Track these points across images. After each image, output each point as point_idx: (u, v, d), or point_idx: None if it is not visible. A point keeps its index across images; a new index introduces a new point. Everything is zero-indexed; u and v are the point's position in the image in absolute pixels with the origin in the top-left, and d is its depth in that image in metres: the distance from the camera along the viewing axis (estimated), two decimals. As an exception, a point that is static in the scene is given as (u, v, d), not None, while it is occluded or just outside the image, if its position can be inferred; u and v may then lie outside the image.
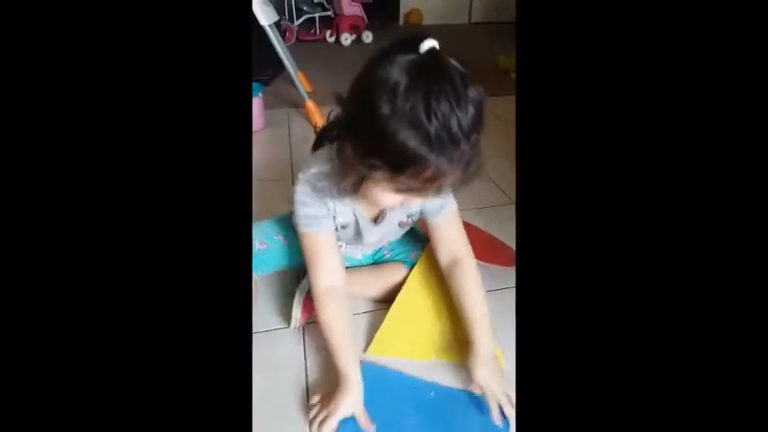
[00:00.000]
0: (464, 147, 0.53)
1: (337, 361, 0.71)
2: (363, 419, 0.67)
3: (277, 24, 1.61)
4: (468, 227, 0.86)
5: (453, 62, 0.54)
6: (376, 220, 0.80)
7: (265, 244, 0.87)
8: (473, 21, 4.23)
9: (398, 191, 0.59)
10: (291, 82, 1.79)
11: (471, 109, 0.53)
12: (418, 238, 0.94)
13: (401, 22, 4.15)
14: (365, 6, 3.29)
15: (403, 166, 0.54)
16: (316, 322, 0.79)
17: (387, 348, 0.80)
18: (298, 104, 1.81)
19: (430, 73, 0.52)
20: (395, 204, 0.64)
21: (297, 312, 0.84)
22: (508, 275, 0.92)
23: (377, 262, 0.95)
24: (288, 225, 0.79)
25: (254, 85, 1.77)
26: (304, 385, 0.75)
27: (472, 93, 0.53)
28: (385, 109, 0.52)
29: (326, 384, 0.72)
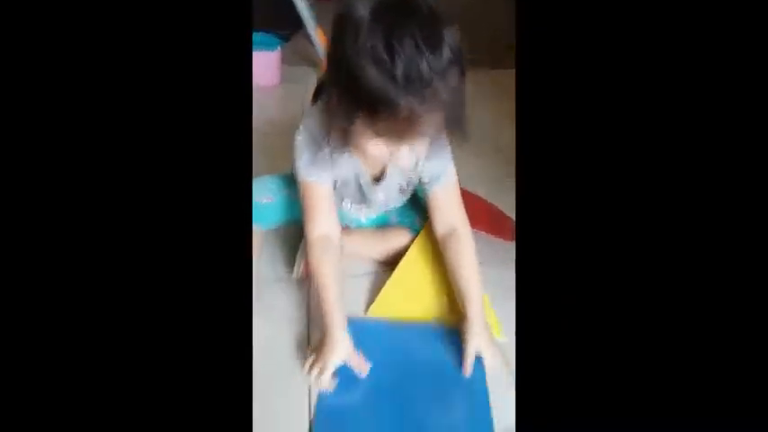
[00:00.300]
0: (437, 85, 0.53)
1: (325, 316, 0.72)
2: (356, 362, 0.69)
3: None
4: (468, 195, 0.87)
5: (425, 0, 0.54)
6: (378, 180, 0.81)
7: (271, 198, 0.88)
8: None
9: (380, 136, 0.59)
10: (309, 39, 1.76)
11: (444, 49, 0.52)
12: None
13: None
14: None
15: (376, 109, 0.54)
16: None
17: (388, 310, 0.83)
18: (317, 63, 1.79)
19: (395, 11, 0.52)
20: (383, 155, 0.64)
21: (300, 260, 0.87)
22: (509, 249, 0.93)
23: (381, 226, 0.97)
24: (293, 180, 0.82)
25: (273, 39, 1.75)
26: (306, 334, 0.78)
27: (444, 33, 0.52)
28: (350, 48, 0.52)
29: (318, 336, 0.74)
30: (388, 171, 0.79)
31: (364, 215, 0.94)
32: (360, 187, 0.81)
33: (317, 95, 0.78)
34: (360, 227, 0.97)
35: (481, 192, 1.07)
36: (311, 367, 0.70)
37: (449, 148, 0.78)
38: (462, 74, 0.56)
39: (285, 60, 1.75)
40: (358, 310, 0.84)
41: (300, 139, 0.74)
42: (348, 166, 0.77)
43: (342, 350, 0.69)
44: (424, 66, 0.51)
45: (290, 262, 0.91)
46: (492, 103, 1.38)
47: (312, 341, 0.76)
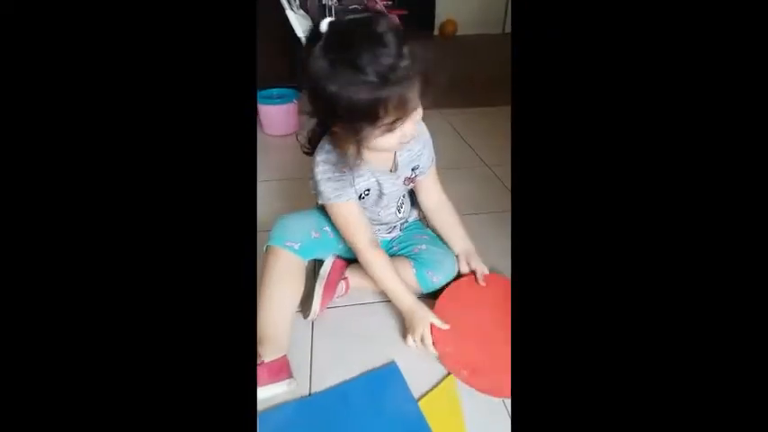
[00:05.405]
0: (402, 63, 0.65)
1: (402, 302, 0.87)
2: (439, 322, 0.84)
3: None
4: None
5: (352, 16, 0.67)
6: (392, 170, 0.91)
7: (318, 234, 0.94)
8: (507, 31, 4.25)
9: (390, 130, 0.72)
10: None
11: (389, 37, 0.64)
12: (421, 231, 1.05)
13: (436, 32, 4.21)
14: (400, 18, 3.36)
15: (376, 113, 0.67)
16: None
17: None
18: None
19: (340, 44, 0.65)
20: (397, 144, 0.76)
21: (317, 304, 0.91)
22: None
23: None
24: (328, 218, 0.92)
25: (290, 91, 1.86)
26: (308, 370, 0.82)
27: (380, 27, 0.65)
28: (333, 89, 0.65)
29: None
30: (398, 160, 0.90)
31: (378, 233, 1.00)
32: (380, 188, 0.91)
33: (312, 147, 0.88)
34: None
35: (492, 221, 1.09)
36: (417, 342, 0.84)
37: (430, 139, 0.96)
38: (405, 44, 0.68)
39: (302, 110, 1.85)
40: (367, 334, 0.91)
41: (321, 168, 0.84)
42: (367, 174, 0.88)
43: (425, 313, 0.85)
44: (384, 59, 0.64)
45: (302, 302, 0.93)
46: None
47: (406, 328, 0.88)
